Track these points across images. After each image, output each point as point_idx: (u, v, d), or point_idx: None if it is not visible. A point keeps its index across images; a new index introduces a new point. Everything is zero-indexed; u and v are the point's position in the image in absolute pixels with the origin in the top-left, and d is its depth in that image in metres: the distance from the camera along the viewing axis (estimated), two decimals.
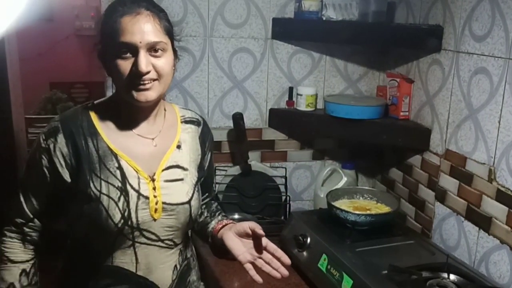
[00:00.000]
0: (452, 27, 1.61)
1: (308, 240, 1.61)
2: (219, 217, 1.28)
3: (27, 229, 1.14)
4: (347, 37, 1.85)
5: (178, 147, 1.18)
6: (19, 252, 1.14)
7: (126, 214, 1.07)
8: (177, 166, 1.16)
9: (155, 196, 1.10)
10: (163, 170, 1.13)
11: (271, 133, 2.03)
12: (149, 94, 1.06)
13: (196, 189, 1.18)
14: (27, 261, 1.15)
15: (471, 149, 1.52)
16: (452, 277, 1.38)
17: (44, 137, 1.09)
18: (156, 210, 1.10)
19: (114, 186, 1.07)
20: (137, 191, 1.08)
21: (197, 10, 1.83)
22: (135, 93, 1.05)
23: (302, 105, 1.96)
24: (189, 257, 1.25)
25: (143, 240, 1.11)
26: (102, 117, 1.12)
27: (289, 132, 2.04)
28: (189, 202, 1.15)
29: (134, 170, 1.10)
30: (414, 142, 1.80)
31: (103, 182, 1.07)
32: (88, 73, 3.80)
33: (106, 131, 1.11)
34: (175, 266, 1.18)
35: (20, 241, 1.15)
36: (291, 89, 1.99)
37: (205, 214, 1.31)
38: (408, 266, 1.39)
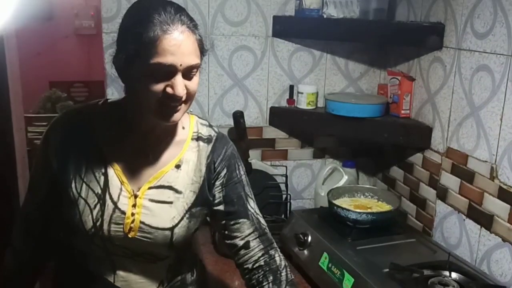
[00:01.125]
0: (453, 25, 1.60)
1: (309, 238, 1.60)
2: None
3: (29, 221, 1.13)
4: (348, 35, 1.84)
5: (177, 166, 1.07)
6: (21, 243, 1.14)
7: (98, 224, 1.01)
8: (170, 188, 1.06)
9: (133, 214, 1.02)
10: (150, 188, 1.05)
11: (272, 131, 2.02)
12: (177, 116, 0.99)
13: (187, 215, 1.07)
14: (26, 251, 1.14)
15: (473, 147, 1.52)
16: (454, 275, 1.37)
17: (46, 130, 1.08)
18: (131, 228, 1.02)
19: (93, 191, 1.02)
20: (115, 203, 1.02)
21: (197, 7, 1.82)
22: (164, 115, 0.98)
23: (303, 104, 1.95)
24: (184, 272, 1.16)
25: (119, 252, 1.05)
26: (106, 119, 1.06)
27: (290, 131, 2.04)
28: (171, 229, 1.04)
29: (119, 180, 1.03)
30: (415, 140, 1.79)
31: (84, 185, 1.02)
32: (87, 72, 3.80)
33: (105, 134, 1.05)
34: (161, 282, 1.10)
35: (23, 233, 1.14)
36: (291, 87, 1.98)
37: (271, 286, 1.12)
38: (409, 264, 1.39)
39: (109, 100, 1.11)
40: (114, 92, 1.82)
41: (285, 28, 1.89)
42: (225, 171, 1.13)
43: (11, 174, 2.30)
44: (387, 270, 1.37)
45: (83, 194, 1.02)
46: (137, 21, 0.94)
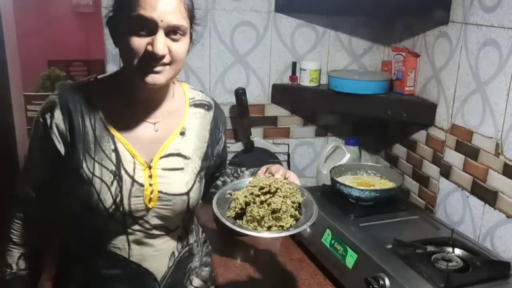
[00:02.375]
0: None
1: None
2: (239, 172, 1.25)
3: (29, 208, 1.10)
4: (353, 8, 1.81)
5: (182, 133, 1.10)
6: (20, 234, 1.11)
7: (118, 200, 1.01)
8: (178, 155, 1.09)
9: (150, 185, 1.04)
10: (161, 158, 1.06)
11: (274, 109, 2.00)
12: (158, 78, 0.98)
13: (198, 179, 1.11)
14: (27, 244, 1.12)
15: (478, 123, 1.50)
16: (457, 251, 1.37)
17: (41, 112, 1.04)
18: (150, 199, 1.04)
19: (107, 169, 1.01)
20: (132, 177, 1.03)
21: None
22: (143, 75, 0.97)
23: (306, 80, 1.93)
24: (191, 243, 1.19)
25: (136, 227, 1.06)
26: (103, 95, 1.06)
27: (292, 108, 2.02)
28: (187, 193, 1.08)
29: (131, 154, 1.04)
30: (419, 117, 1.78)
31: (96, 164, 1.01)
32: (86, 51, 3.76)
33: (106, 110, 1.05)
34: (172, 253, 1.13)
35: (22, 222, 1.11)
36: (294, 64, 1.95)
37: (221, 179, 1.28)
38: (412, 240, 1.38)
39: (99, 77, 1.10)
40: (114, 69, 1.79)
41: (288, 2, 1.85)
42: (223, 137, 1.23)
43: (11, 151, 2.29)
44: (390, 246, 1.37)
45: (97, 173, 1.01)
46: None
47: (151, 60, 0.96)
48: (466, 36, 1.54)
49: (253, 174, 1.20)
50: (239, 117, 1.93)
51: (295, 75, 1.96)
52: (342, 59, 2.00)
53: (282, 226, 1.02)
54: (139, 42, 0.95)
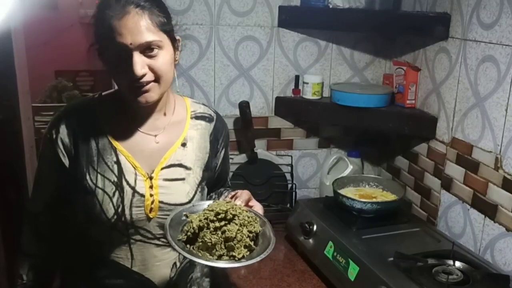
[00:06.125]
0: (459, 15, 1.60)
1: (314, 227, 1.62)
2: (225, 193, 1.21)
3: (39, 221, 1.14)
4: (354, 25, 1.84)
5: (183, 145, 1.14)
6: (31, 246, 1.15)
7: (119, 210, 1.05)
8: (180, 165, 1.12)
9: (151, 195, 1.07)
10: (162, 169, 1.10)
11: (277, 121, 2.03)
12: (149, 96, 1.02)
13: (199, 189, 1.14)
14: (38, 256, 1.15)
15: (478, 137, 1.53)
16: (458, 264, 1.39)
17: (49, 128, 1.09)
18: (151, 209, 1.07)
19: (110, 180, 1.05)
20: (133, 188, 1.06)
21: None
22: (135, 96, 1.02)
23: (308, 93, 1.96)
24: None
25: (138, 237, 1.09)
26: (107, 110, 1.10)
27: (295, 121, 2.05)
28: (188, 203, 1.11)
29: (132, 166, 1.07)
30: (420, 130, 1.80)
31: (99, 176, 1.06)
32: (92, 61, 3.80)
33: (109, 124, 1.09)
34: (174, 263, 1.16)
35: (33, 234, 1.15)
36: (297, 77, 1.99)
37: (213, 197, 1.26)
38: (413, 253, 1.41)
39: (103, 93, 1.15)
40: None
41: (290, 18, 1.89)
42: (223, 150, 1.24)
43: (19, 162, 2.33)
44: (391, 259, 1.39)
45: (99, 185, 1.05)
46: (96, 15, 1.01)
47: (135, 81, 0.99)
48: (465, 52, 1.57)
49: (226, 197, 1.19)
50: (243, 129, 1.96)
51: (298, 88, 1.99)
52: (344, 72, 2.04)
53: (234, 256, 0.95)
54: (121, 68, 0.99)
